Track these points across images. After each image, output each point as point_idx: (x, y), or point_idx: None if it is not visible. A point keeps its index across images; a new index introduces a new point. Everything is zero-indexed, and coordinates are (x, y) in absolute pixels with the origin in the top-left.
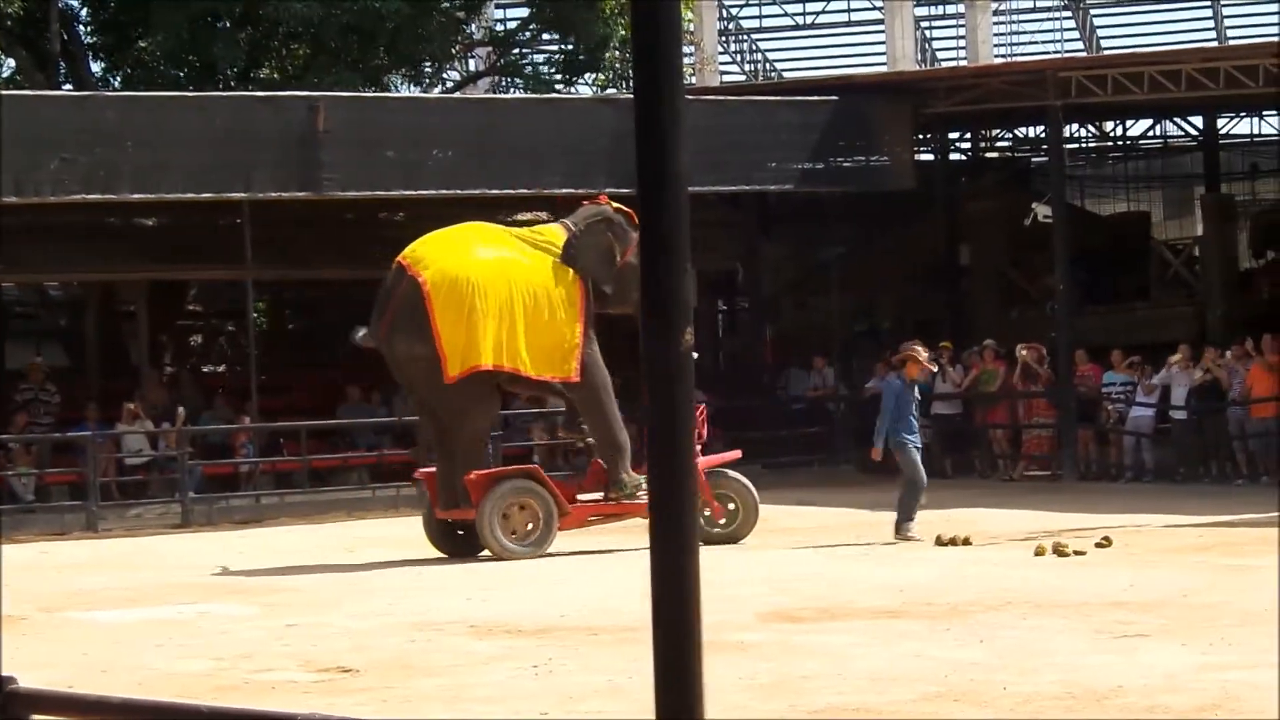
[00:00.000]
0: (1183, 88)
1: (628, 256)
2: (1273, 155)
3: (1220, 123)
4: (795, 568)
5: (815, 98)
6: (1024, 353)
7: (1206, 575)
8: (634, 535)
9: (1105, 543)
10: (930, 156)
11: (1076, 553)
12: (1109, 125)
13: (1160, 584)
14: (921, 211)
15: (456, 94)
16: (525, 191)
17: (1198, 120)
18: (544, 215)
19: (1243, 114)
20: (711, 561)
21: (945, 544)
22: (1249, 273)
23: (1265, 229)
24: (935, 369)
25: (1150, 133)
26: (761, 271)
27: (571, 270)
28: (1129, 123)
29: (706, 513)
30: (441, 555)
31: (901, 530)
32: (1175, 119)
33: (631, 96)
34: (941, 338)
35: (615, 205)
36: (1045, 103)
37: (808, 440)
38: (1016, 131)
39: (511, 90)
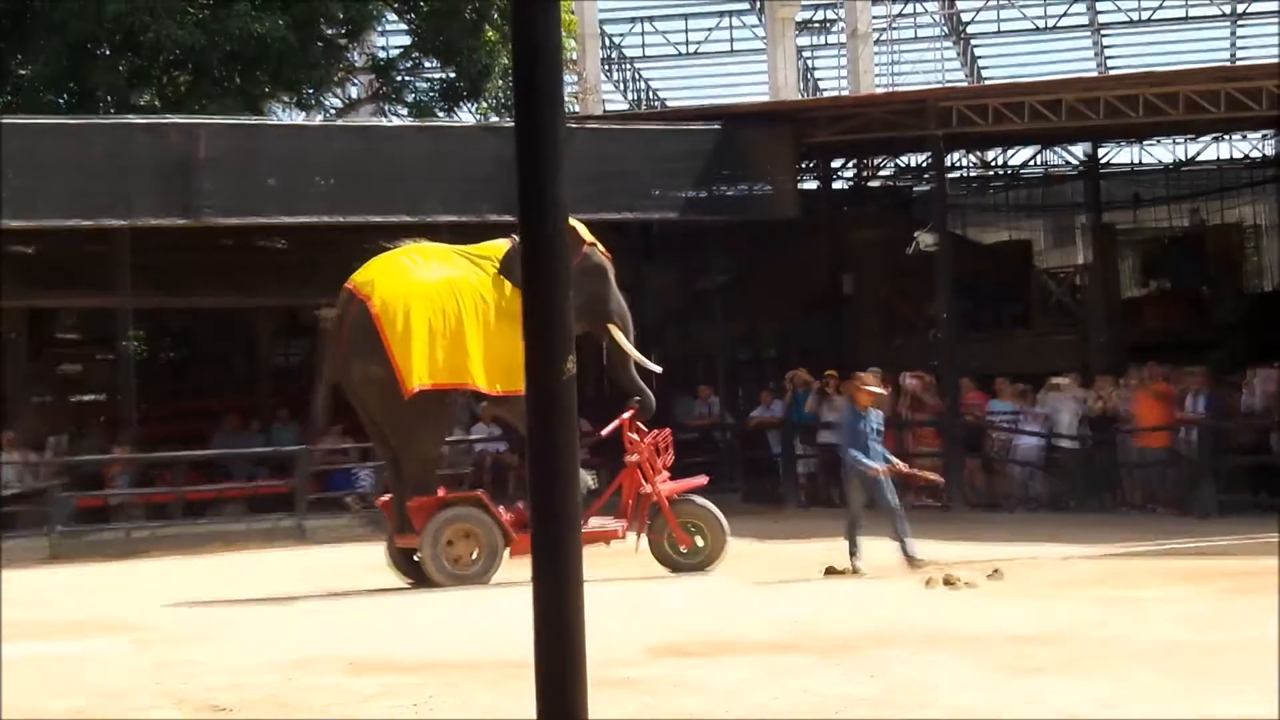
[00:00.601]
0: (1063, 117)
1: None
2: (1155, 184)
3: (1102, 152)
4: (684, 600)
5: (698, 125)
6: (911, 382)
7: (1101, 608)
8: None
9: (996, 575)
10: (813, 185)
11: (967, 585)
12: (991, 154)
13: (1055, 617)
14: (805, 240)
15: (338, 121)
16: (407, 219)
17: (1080, 149)
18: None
19: (1124, 143)
20: (597, 594)
21: (835, 575)
22: (1133, 301)
23: (1149, 258)
24: (884, 391)
25: (1032, 162)
26: (646, 298)
27: (509, 283)
28: (1011, 151)
29: (670, 542)
30: (404, 583)
31: (910, 561)
32: (1057, 148)
33: (512, 124)
34: (825, 366)
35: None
36: (927, 132)
37: (694, 469)
38: (899, 160)
39: (393, 117)
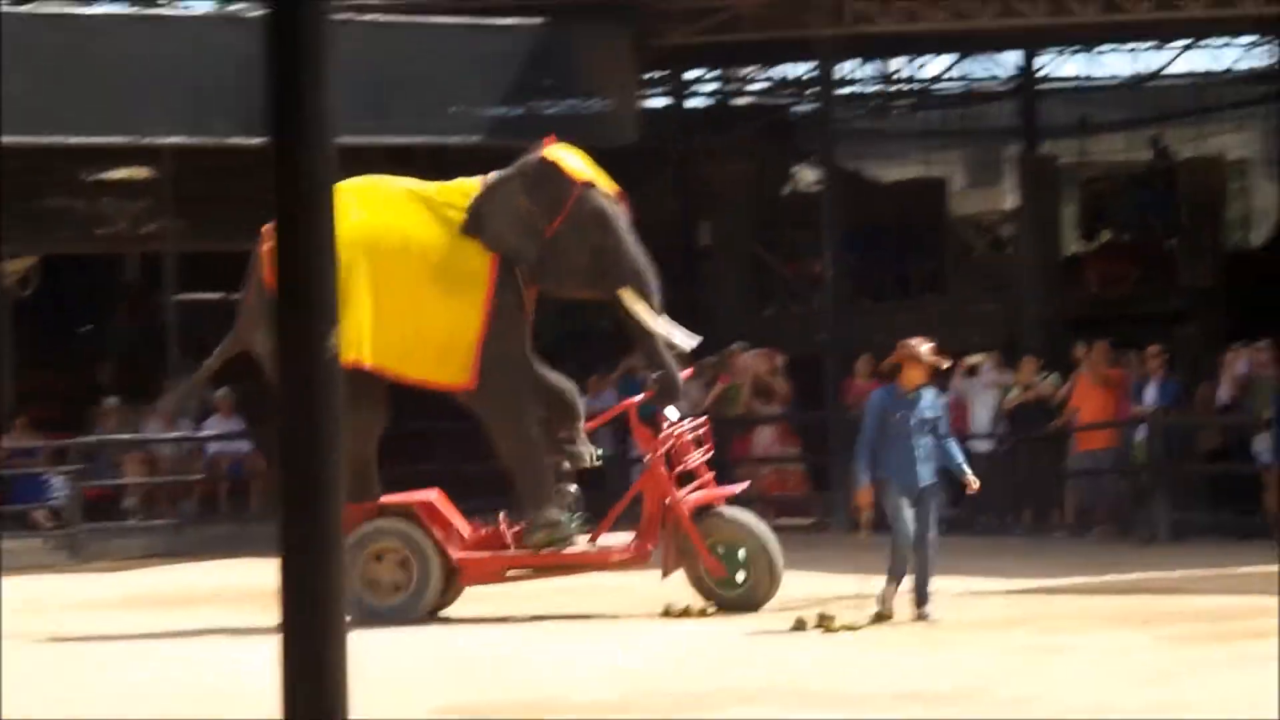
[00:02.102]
0: (991, 16)
1: (558, 222)
2: (1108, 105)
3: (1039, 63)
4: (490, 647)
5: (511, 20)
6: (753, 361)
7: (1018, 658)
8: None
9: (884, 615)
10: (662, 102)
11: (847, 627)
12: (895, 64)
13: (957, 669)
14: (649, 175)
15: (30, 5)
16: (119, 139)
17: (1011, 59)
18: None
19: (1069, 51)
20: (374, 639)
21: (677, 615)
22: (1076, 258)
23: (1099, 201)
24: (945, 364)
25: (949, 74)
26: None
27: (478, 243)
28: (921, 61)
29: (705, 570)
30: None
31: (919, 609)
32: (981, 57)
33: (261, 12)
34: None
35: (548, 154)
36: (811, 33)
37: (502, 475)
38: (774, 72)
39: (101, 2)
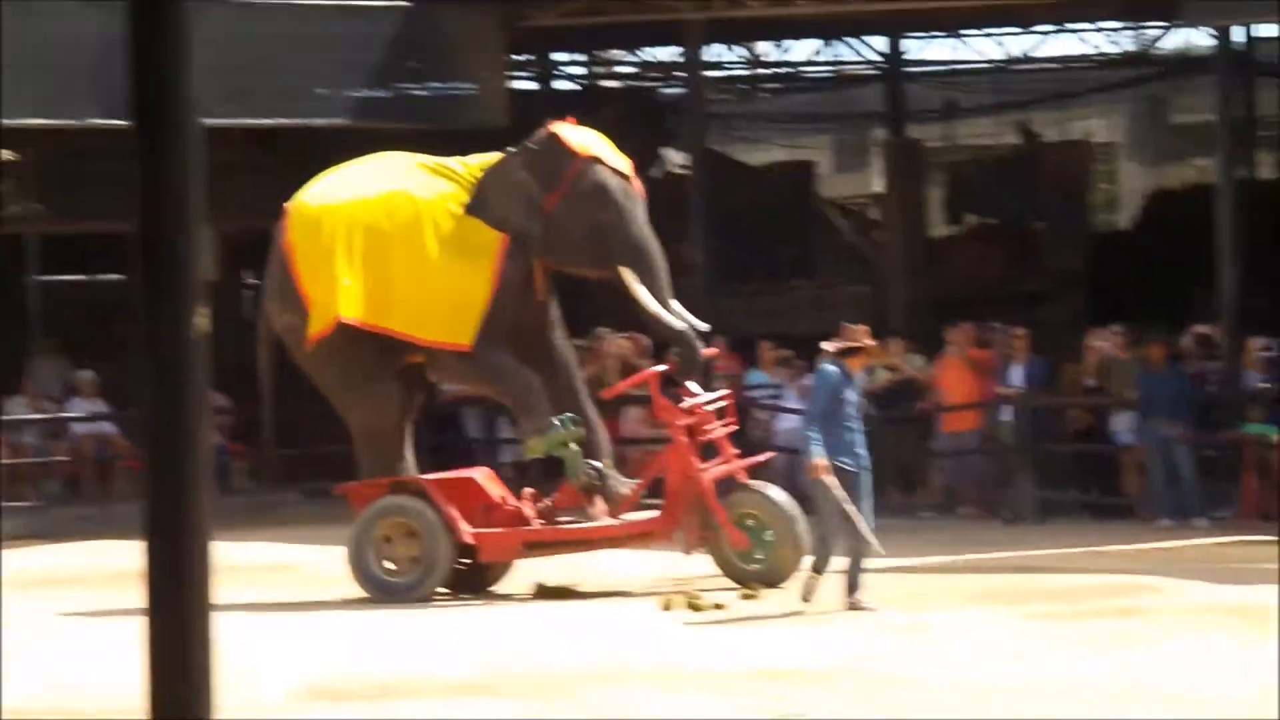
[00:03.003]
0: None
1: (556, 197)
2: (975, 89)
3: (906, 46)
4: (354, 628)
5: (378, 3)
6: (621, 343)
7: (885, 637)
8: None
9: (752, 593)
10: (530, 85)
11: (716, 606)
12: (763, 48)
13: (826, 648)
14: None
15: None
16: None
17: (878, 42)
18: None
19: (936, 35)
20: (236, 620)
21: (546, 595)
22: (943, 241)
23: (965, 185)
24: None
25: (817, 58)
26: None
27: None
28: (788, 45)
29: (727, 545)
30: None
31: (851, 597)
32: (849, 40)
33: None
34: None
35: (555, 127)
36: (680, 16)
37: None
38: (642, 53)
39: None
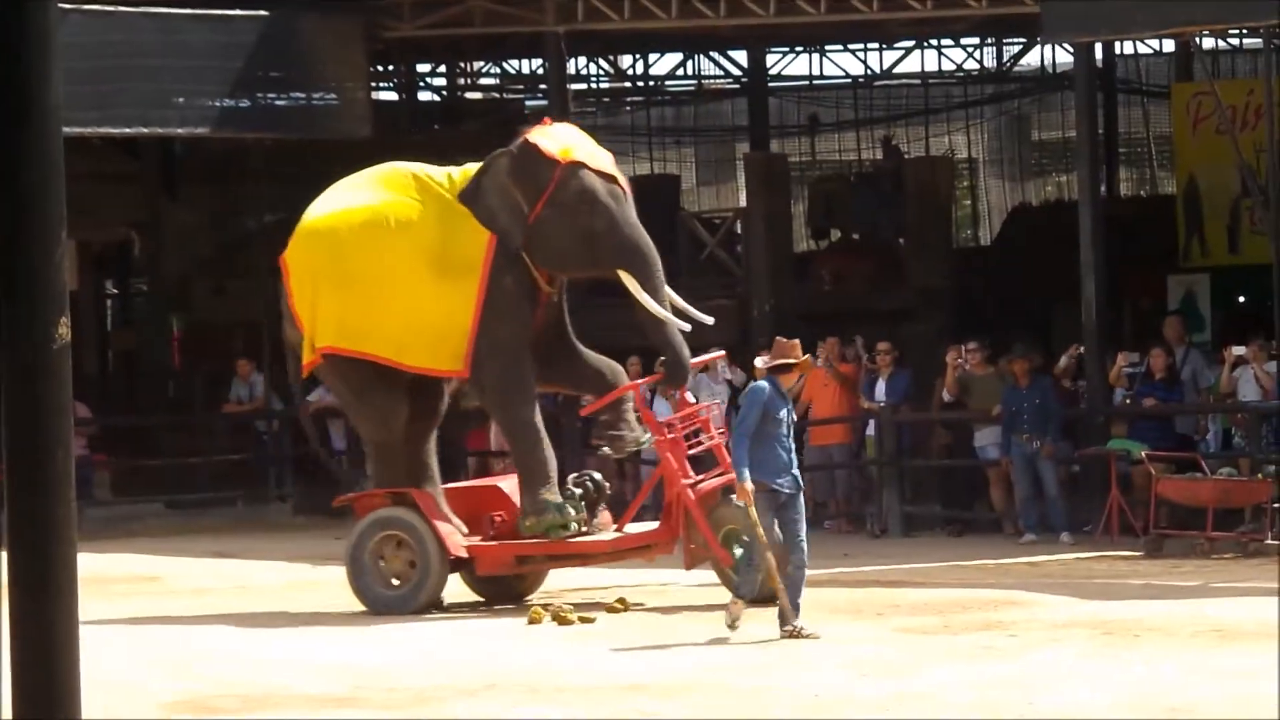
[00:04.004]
0: (722, 13)
1: (540, 206)
2: (839, 104)
3: (771, 60)
4: (214, 643)
5: (238, 12)
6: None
7: (751, 650)
8: None
9: (619, 606)
10: (393, 95)
11: (583, 620)
12: (627, 61)
13: (688, 661)
14: None
15: None
16: None
17: (742, 57)
18: None
19: (800, 50)
20: (101, 632)
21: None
22: (807, 256)
23: (828, 200)
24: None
25: (681, 72)
26: (166, 244)
27: (474, 218)
28: (653, 58)
29: (713, 560)
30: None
31: (789, 625)
32: (714, 54)
33: None
34: None
35: (532, 135)
36: (544, 28)
37: (229, 471)
38: (507, 65)
39: None
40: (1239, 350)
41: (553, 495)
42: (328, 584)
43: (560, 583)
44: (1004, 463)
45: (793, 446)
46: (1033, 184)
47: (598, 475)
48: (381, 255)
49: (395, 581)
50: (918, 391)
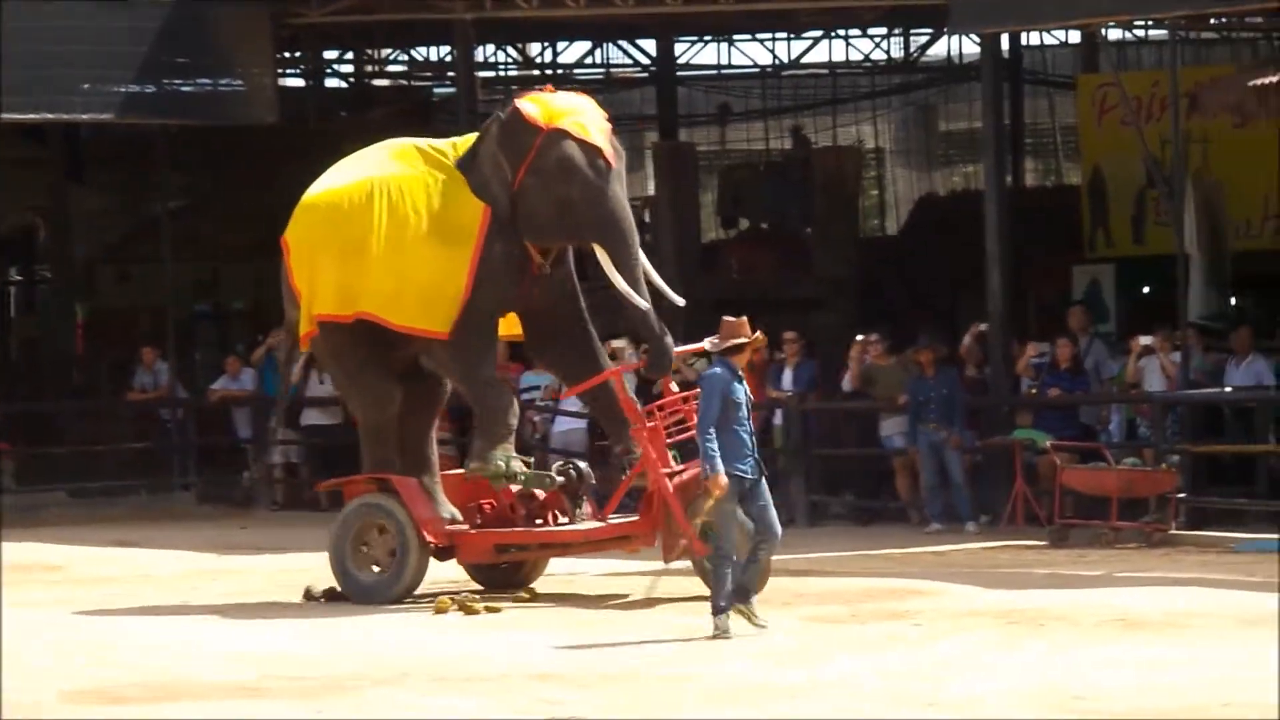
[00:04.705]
0: (630, 2)
1: (522, 172)
2: (747, 93)
3: (679, 49)
4: (118, 632)
5: None
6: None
7: (661, 640)
8: None
9: (527, 596)
10: (299, 82)
11: (489, 609)
12: (535, 48)
13: (604, 651)
14: (288, 155)
15: None
16: None
17: (650, 45)
18: None
19: (708, 39)
20: (4, 621)
21: (316, 599)
22: (715, 245)
23: (736, 189)
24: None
25: (588, 59)
26: (71, 230)
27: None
28: (561, 46)
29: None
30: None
31: (716, 623)
32: (621, 43)
33: None
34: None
35: (520, 100)
36: (451, 15)
37: (133, 459)
38: (414, 52)
39: None
40: (1145, 340)
41: (503, 448)
42: (232, 573)
43: (462, 574)
44: (910, 452)
45: (752, 429)
46: (939, 174)
47: (583, 464)
48: (381, 222)
49: (376, 569)
50: (824, 381)
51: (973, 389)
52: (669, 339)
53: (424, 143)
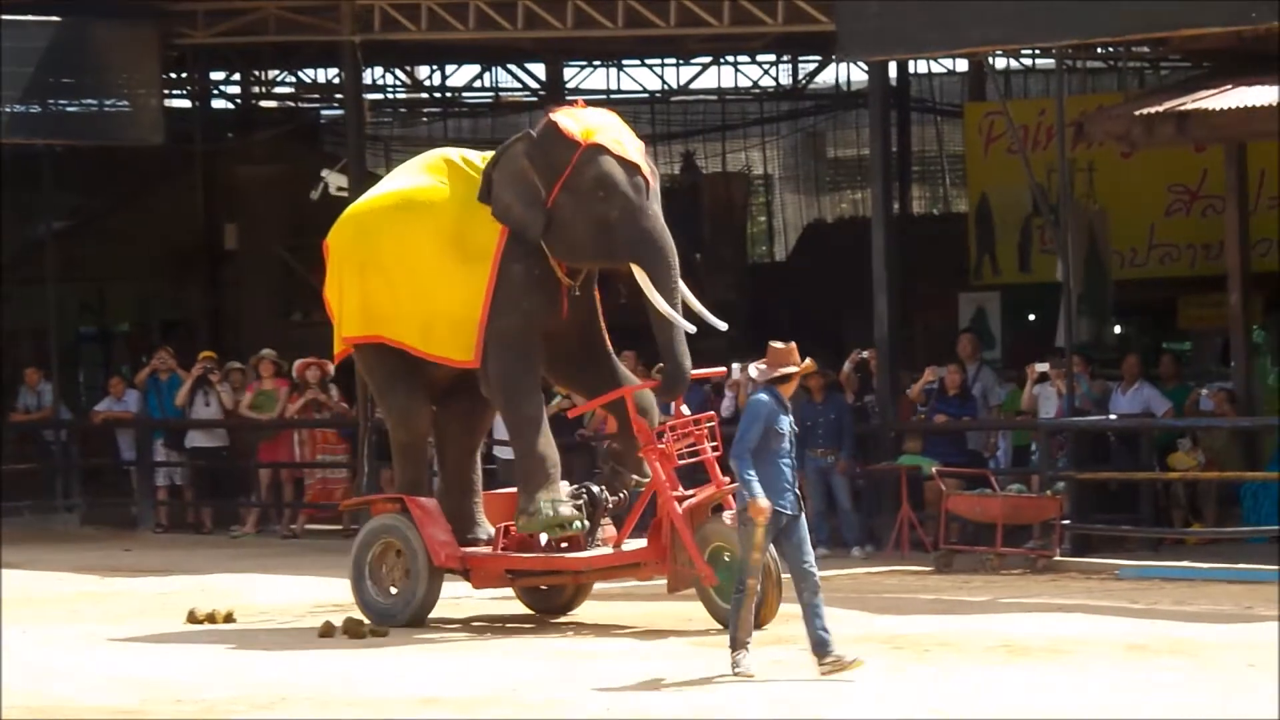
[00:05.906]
0: (519, 26)
1: (557, 190)
2: (634, 118)
3: (568, 74)
4: (3, 654)
5: (30, 18)
6: (306, 373)
7: (549, 662)
8: None
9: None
10: (186, 103)
11: (374, 633)
12: (424, 72)
13: (483, 675)
14: (174, 176)
15: None
16: None
17: (540, 69)
18: None
19: (597, 63)
20: None
21: (201, 622)
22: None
23: None
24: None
25: (477, 83)
26: None
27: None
28: (451, 69)
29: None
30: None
31: (734, 659)
32: (511, 66)
33: None
34: (200, 345)
35: (556, 114)
36: (339, 38)
37: (16, 480)
38: (302, 74)
39: None
40: (1041, 367)
41: (549, 494)
42: (115, 595)
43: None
44: (798, 475)
45: (795, 464)
46: (827, 200)
47: (598, 488)
48: (404, 239)
49: (394, 590)
50: (712, 406)
51: (856, 416)
52: (688, 362)
53: (458, 154)
